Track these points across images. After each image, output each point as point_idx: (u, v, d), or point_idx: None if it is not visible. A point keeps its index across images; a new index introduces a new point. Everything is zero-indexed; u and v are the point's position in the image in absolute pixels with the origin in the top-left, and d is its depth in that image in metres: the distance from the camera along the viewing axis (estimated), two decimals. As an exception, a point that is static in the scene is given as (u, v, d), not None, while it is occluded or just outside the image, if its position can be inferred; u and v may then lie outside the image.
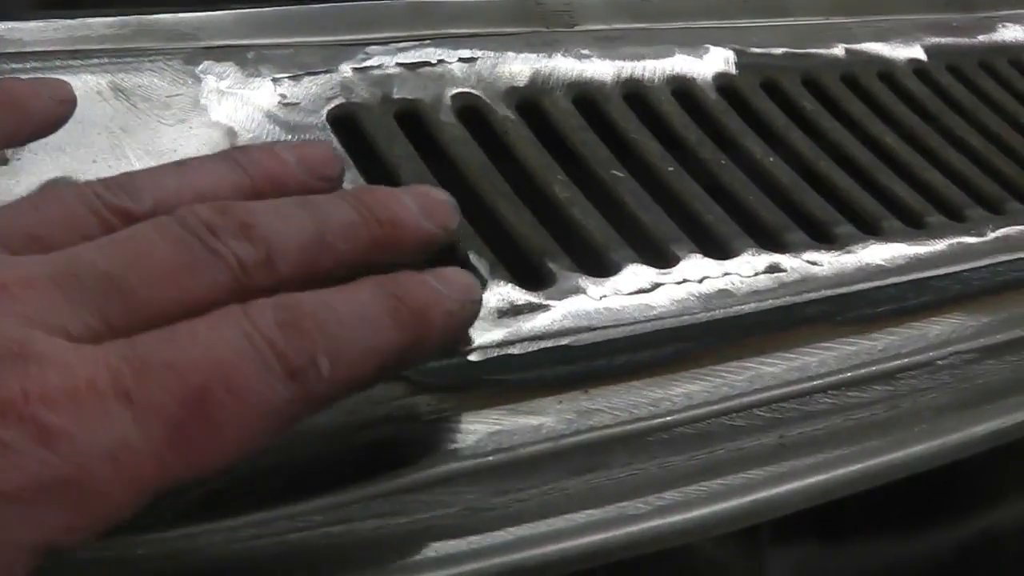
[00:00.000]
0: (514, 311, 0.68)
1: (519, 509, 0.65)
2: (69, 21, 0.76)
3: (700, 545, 0.94)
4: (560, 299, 0.70)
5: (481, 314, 0.66)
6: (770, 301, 0.74)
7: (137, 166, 0.69)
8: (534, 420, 0.66)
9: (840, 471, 0.72)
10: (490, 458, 0.65)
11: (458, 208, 0.65)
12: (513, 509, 0.65)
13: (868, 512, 1.06)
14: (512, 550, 0.63)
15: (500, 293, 0.69)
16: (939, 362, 0.79)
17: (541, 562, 0.63)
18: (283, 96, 0.77)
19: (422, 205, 0.61)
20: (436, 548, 0.62)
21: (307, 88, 0.78)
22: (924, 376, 0.78)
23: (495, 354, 0.66)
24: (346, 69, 0.80)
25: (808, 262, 0.77)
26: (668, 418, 0.69)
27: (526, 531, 0.64)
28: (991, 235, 0.87)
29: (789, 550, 1.05)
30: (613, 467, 0.68)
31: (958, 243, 0.85)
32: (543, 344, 0.67)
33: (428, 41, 0.84)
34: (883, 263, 0.80)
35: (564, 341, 0.68)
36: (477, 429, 0.65)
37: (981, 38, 1.11)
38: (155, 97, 0.74)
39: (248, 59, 0.78)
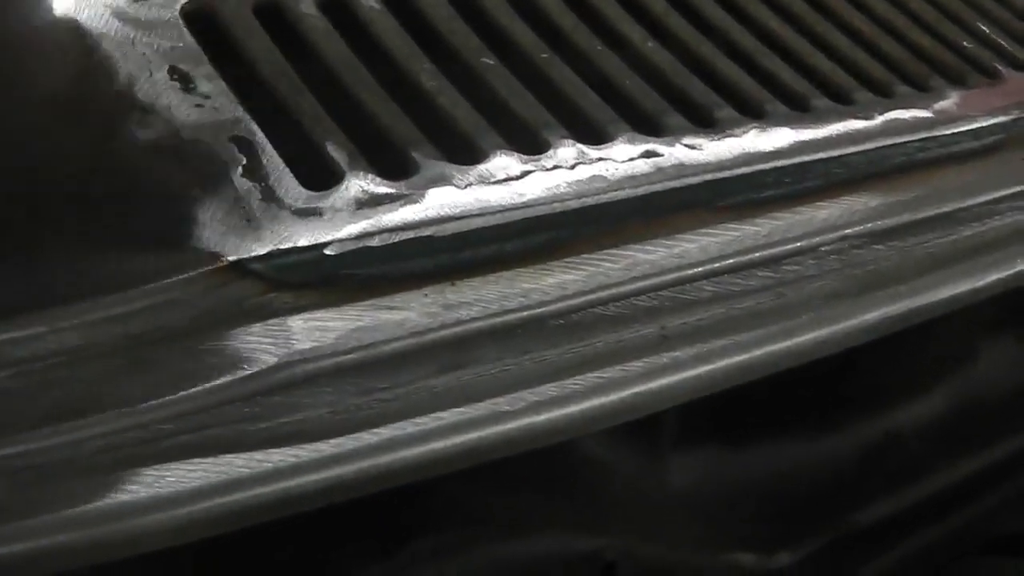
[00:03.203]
0: (374, 202, 0.64)
1: (383, 410, 0.62)
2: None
3: (596, 452, 0.92)
4: (424, 188, 0.66)
5: (339, 206, 0.63)
6: (646, 187, 0.71)
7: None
8: (397, 315, 0.63)
9: (723, 362, 0.70)
10: (351, 356, 0.62)
11: None
12: (377, 410, 0.62)
13: (771, 415, 1.05)
14: (377, 453, 0.60)
15: (360, 184, 0.65)
16: (824, 248, 0.76)
17: (409, 465, 0.61)
18: (132, -8, 0.72)
19: None
20: (297, 452, 0.59)
21: (158, -16, 0.73)
22: (810, 263, 0.76)
23: (353, 247, 0.62)
24: (201, -40, 0.75)
25: (687, 146, 0.74)
26: (540, 310, 0.66)
27: (391, 432, 0.61)
28: (879, 118, 0.84)
29: (693, 454, 1.04)
30: (484, 363, 0.65)
31: (844, 126, 0.82)
32: (405, 235, 0.64)
33: (287, -72, 0.79)
34: (766, 147, 0.77)
35: (427, 231, 0.64)
36: (337, 326, 0.62)
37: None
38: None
39: (96, -46, 0.73)
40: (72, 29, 0.70)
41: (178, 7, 0.73)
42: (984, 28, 1.00)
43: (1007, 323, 1.28)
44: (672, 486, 1.04)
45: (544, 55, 0.78)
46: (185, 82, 0.68)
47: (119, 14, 0.71)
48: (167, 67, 0.69)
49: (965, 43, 0.97)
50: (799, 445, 1.13)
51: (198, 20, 0.73)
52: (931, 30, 0.97)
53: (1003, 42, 0.99)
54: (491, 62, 0.76)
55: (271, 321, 0.61)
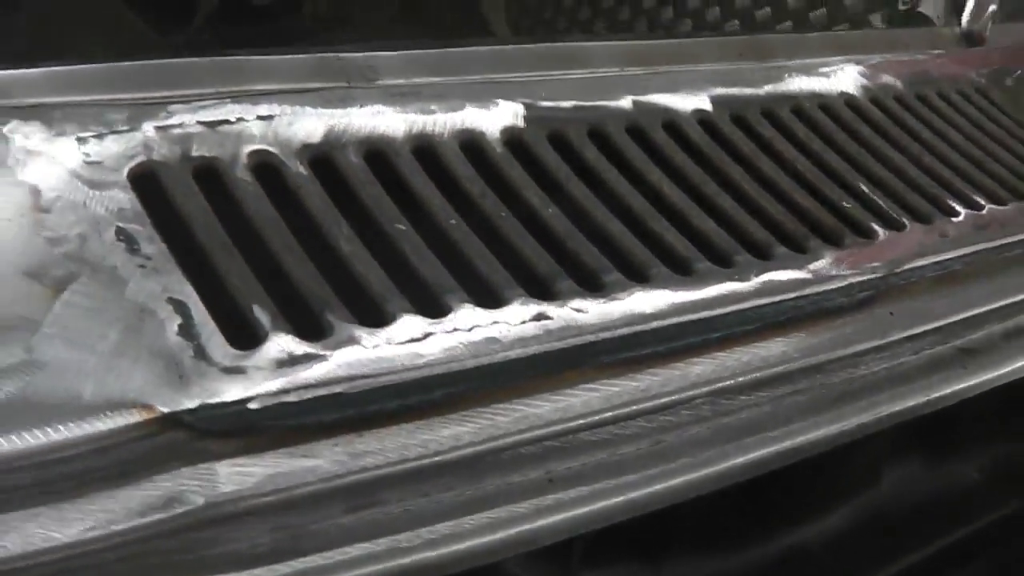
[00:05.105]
0: (292, 361, 0.73)
1: (298, 545, 0.70)
2: None
3: (507, 570, 1.00)
4: (335, 349, 0.74)
5: (262, 364, 0.71)
6: (535, 347, 0.79)
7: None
8: (310, 462, 0.71)
9: (603, 503, 0.78)
10: (269, 498, 0.70)
11: None
12: (292, 544, 0.70)
13: (684, 530, 1.12)
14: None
15: (280, 344, 0.73)
16: (698, 400, 0.84)
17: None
18: (87, 155, 0.80)
19: None
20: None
21: (110, 147, 0.81)
22: (684, 413, 0.84)
23: (273, 402, 0.71)
24: (148, 128, 0.83)
25: (574, 309, 0.83)
26: (437, 458, 0.75)
27: (303, 564, 0.69)
28: (755, 279, 0.93)
29: (602, 570, 1.11)
30: (387, 504, 0.73)
31: (722, 288, 0.91)
32: (318, 392, 0.72)
33: (228, 99, 0.88)
34: (647, 309, 0.86)
35: (337, 389, 0.73)
36: (257, 472, 0.70)
37: (767, 88, 1.17)
38: (-37, 156, 0.76)
39: (55, 118, 0.81)
40: (31, 188, 0.76)
41: (126, 170, 0.80)
42: (864, 188, 1.09)
43: (912, 446, 1.36)
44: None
45: (452, 221, 0.87)
46: (130, 243, 0.75)
47: (75, 175, 0.78)
48: (115, 228, 0.76)
49: (844, 203, 1.05)
50: (711, 559, 1.20)
51: (144, 182, 0.80)
52: (813, 190, 1.05)
53: (881, 202, 1.08)
54: (403, 227, 0.84)
55: (200, 466, 0.69)
